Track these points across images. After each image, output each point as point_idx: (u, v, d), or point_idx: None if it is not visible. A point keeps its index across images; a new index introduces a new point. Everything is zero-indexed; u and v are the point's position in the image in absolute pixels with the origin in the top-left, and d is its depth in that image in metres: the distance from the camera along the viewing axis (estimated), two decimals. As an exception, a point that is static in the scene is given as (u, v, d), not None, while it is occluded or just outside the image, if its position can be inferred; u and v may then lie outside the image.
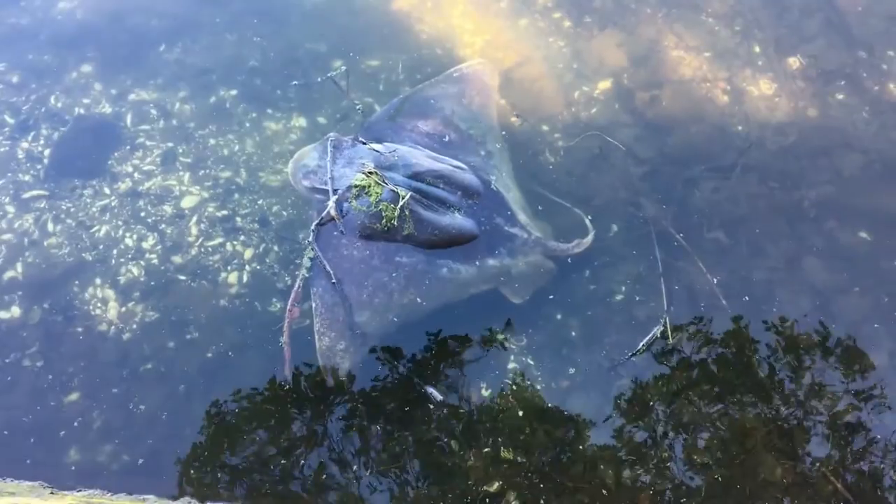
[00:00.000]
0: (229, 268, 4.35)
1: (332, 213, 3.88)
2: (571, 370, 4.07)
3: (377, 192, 3.83)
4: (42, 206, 4.56)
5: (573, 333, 4.17)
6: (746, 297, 4.21)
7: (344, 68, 4.97)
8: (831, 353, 4.05)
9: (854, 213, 4.49)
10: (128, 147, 4.77)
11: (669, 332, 4.08)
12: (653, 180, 4.60)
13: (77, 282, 4.31)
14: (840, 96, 4.90)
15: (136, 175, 4.67)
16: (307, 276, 3.90)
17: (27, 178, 4.66)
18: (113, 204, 4.57)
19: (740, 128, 4.76)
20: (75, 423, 3.92)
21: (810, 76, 4.97)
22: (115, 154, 4.74)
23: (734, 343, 4.08)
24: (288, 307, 3.90)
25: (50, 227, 4.48)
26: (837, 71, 5.00)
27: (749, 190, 4.56)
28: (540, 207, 4.39)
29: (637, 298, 4.25)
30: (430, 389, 3.94)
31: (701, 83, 4.94)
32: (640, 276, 4.31)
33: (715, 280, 4.23)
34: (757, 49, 5.08)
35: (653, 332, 4.09)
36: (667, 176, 4.61)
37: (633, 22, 5.23)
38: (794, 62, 5.02)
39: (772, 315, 4.17)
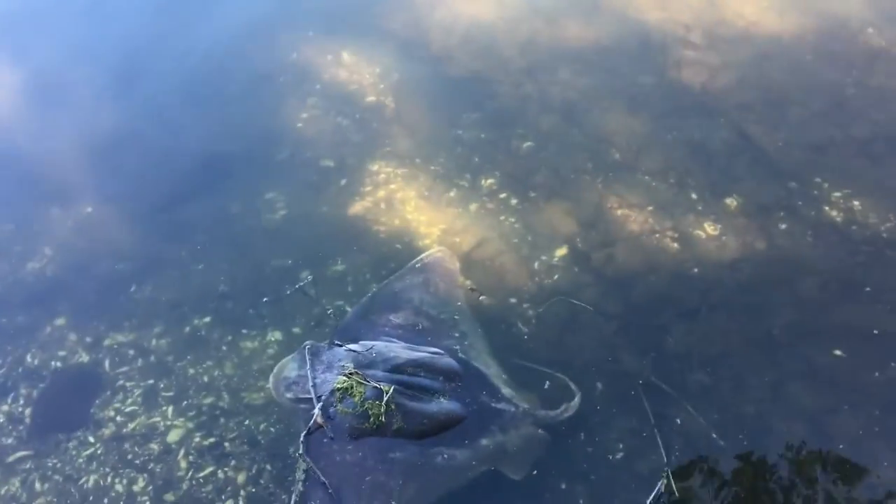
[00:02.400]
0: (223, 496, 4.26)
1: (319, 420, 3.89)
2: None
3: (360, 392, 3.86)
4: (28, 466, 4.50)
5: (581, 501, 4.08)
6: (741, 434, 4.20)
7: (310, 277, 5.13)
8: (837, 472, 4.01)
9: (823, 333, 4.58)
10: (108, 392, 4.78)
11: (674, 485, 4.01)
12: (626, 333, 4.69)
13: (68, 539, 4.18)
14: (783, 226, 5.12)
15: (118, 418, 4.65)
16: (302, 490, 3.84)
17: (10, 441, 4.62)
18: (99, 452, 4.52)
19: (696, 270, 4.94)
20: None
21: (750, 212, 5.23)
22: (97, 401, 4.74)
23: (742, 481, 4.02)
24: (287, 526, 3.81)
25: (38, 486, 4.40)
26: (774, 203, 5.25)
27: (719, 327, 4.67)
28: (521, 379, 4.41)
29: (636, 453, 4.21)
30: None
31: (650, 235, 5.17)
32: (634, 430, 4.29)
33: (706, 421, 4.24)
34: (694, 196, 5.37)
35: (657, 488, 4.01)
36: (638, 327, 4.71)
37: (576, 190, 5.53)
38: (731, 202, 5.29)
39: (771, 445, 4.14)
